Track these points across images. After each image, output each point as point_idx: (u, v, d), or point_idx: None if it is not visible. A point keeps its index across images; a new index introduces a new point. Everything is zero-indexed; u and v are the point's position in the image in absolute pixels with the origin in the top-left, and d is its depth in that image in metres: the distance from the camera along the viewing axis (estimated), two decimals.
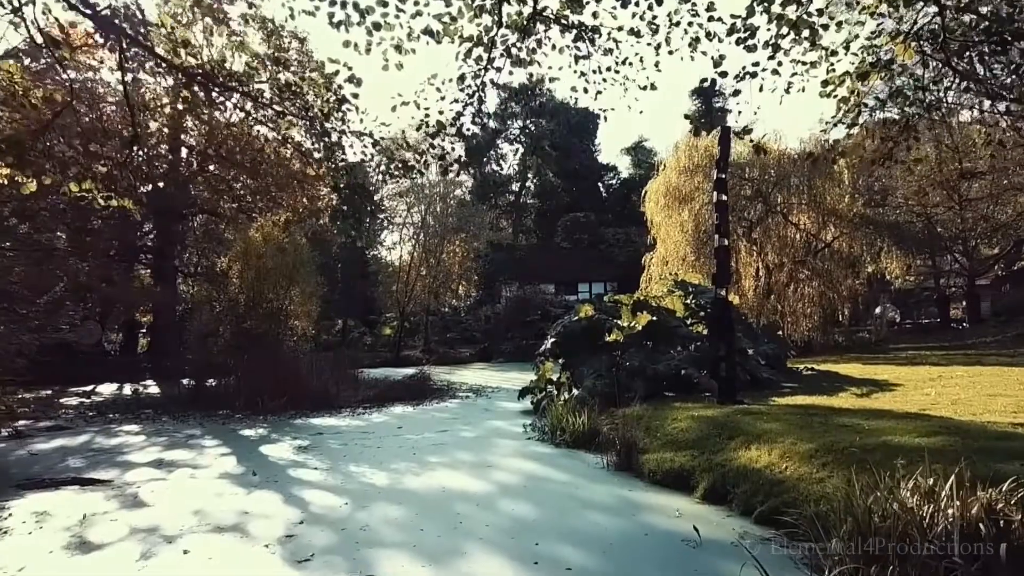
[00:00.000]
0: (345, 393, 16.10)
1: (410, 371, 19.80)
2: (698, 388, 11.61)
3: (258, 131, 28.12)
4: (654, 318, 12.47)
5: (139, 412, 15.35)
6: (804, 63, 6.05)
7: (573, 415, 9.87)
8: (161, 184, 26.91)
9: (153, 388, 20.81)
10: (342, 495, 7.42)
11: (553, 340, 12.87)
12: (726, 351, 9.87)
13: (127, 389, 21.08)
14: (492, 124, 47.77)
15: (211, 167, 27.38)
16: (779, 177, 20.35)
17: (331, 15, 5.73)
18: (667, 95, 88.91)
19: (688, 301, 13.25)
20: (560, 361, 13.06)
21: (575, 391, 12.19)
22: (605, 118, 6.30)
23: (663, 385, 11.60)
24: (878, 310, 35.61)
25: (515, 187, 50.42)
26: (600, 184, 49.39)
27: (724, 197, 10.05)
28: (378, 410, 14.60)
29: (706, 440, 7.81)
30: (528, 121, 49.38)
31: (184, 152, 28.53)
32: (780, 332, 16.18)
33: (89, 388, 21.46)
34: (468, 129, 5.89)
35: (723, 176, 10.02)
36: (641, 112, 6.50)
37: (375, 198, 44.75)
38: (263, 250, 15.54)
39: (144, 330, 31.84)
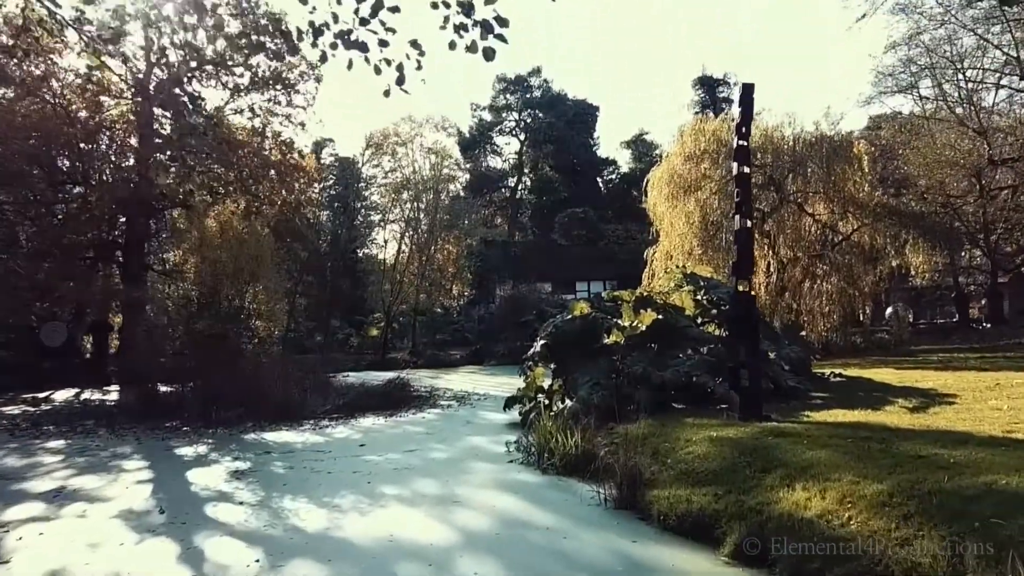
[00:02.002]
0: (313, 402, 14.33)
1: (393, 375, 17.97)
2: (713, 399, 9.85)
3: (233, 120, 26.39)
4: (660, 316, 10.72)
5: (78, 424, 13.62)
6: None
7: (563, 434, 8.11)
8: (127, 175, 25.15)
9: (114, 395, 19.04)
10: (257, 546, 5.68)
11: (543, 342, 11.12)
12: (749, 355, 8.11)
13: (86, 395, 19.45)
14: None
15: (183, 157, 25.67)
16: (794, 163, 18.59)
17: None
18: (668, 86, 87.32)
19: (699, 297, 11.49)
20: (552, 366, 11.30)
21: (568, 401, 10.45)
22: None
23: (671, 395, 9.85)
24: (890, 310, 33.90)
25: (511, 182, 48.59)
26: (599, 179, 47.59)
27: (747, 169, 8.32)
28: (345, 422, 12.84)
29: (732, 472, 6.05)
30: (524, 113, 47.58)
31: (157, 142, 26.81)
32: (803, 332, 14.43)
33: (44, 395, 19.76)
34: None
35: (745, 143, 8.29)
36: None
37: (364, 193, 43.02)
38: (218, 241, 13.76)
39: (116, 332, 30.03)
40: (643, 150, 45.81)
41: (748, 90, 8.20)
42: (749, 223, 8.28)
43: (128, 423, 13.38)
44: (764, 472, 5.86)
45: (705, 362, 10.11)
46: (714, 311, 11.70)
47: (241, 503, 7.11)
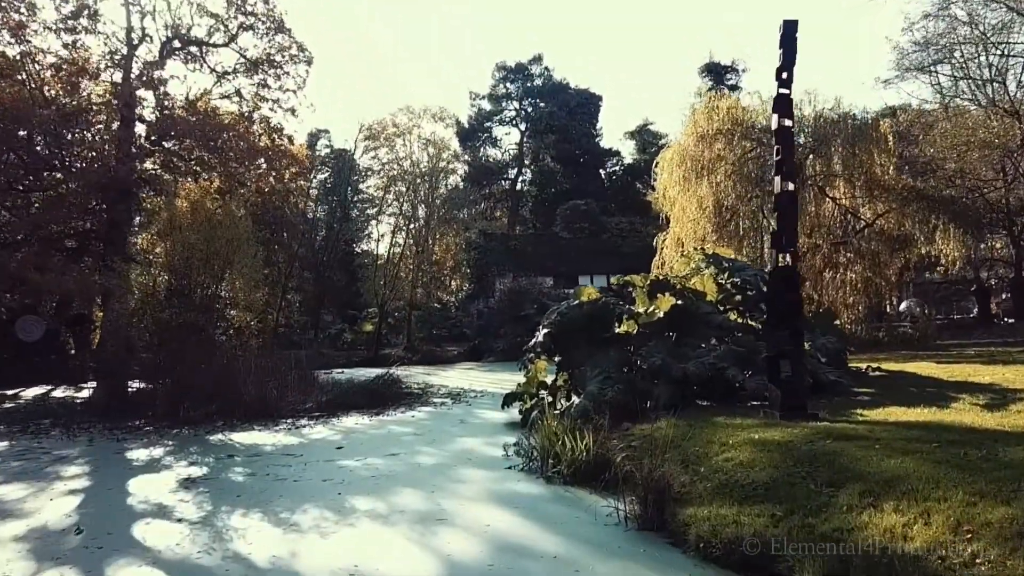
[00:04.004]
0: (293, 399, 13.06)
1: (383, 372, 16.64)
2: (742, 394, 8.58)
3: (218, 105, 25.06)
4: (679, 302, 9.42)
5: (33, 423, 12.35)
6: None
7: (571, 435, 6.82)
8: (107, 160, 23.80)
9: (87, 392, 17.78)
10: None
11: (546, 331, 9.83)
12: (792, 343, 6.82)
13: (58, 393, 18.27)
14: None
15: (165, 143, 24.37)
16: (815, 143, 17.28)
17: None
18: (674, 74, 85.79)
19: (723, 280, 10.19)
20: (556, 359, 10.01)
21: (575, 398, 9.17)
22: None
23: (694, 390, 8.56)
24: (904, 305, 32.66)
25: (511, 173, 47.13)
26: (602, 171, 46.13)
27: (788, 122, 7.04)
28: (326, 421, 11.57)
29: (790, 486, 4.76)
30: (525, 102, 46.17)
31: (143, 129, 25.45)
32: (838, 321, 13.10)
33: (12, 392, 18.56)
34: None
35: (787, 91, 7.00)
36: None
37: (360, 186, 41.70)
38: (188, 222, 12.45)
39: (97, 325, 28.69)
40: (648, 140, 44.33)
41: (791, 27, 6.90)
42: (791, 186, 6.98)
43: (87, 422, 12.13)
44: (833, 486, 4.57)
45: (732, 352, 8.82)
46: (738, 296, 10.40)
47: (180, 520, 5.84)
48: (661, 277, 10.53)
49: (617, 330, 9.58)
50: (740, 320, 10.50)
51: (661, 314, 9.18)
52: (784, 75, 6.99)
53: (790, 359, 6.84)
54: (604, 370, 8.89)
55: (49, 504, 6.53)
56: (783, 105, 7.00)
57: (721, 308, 10.43)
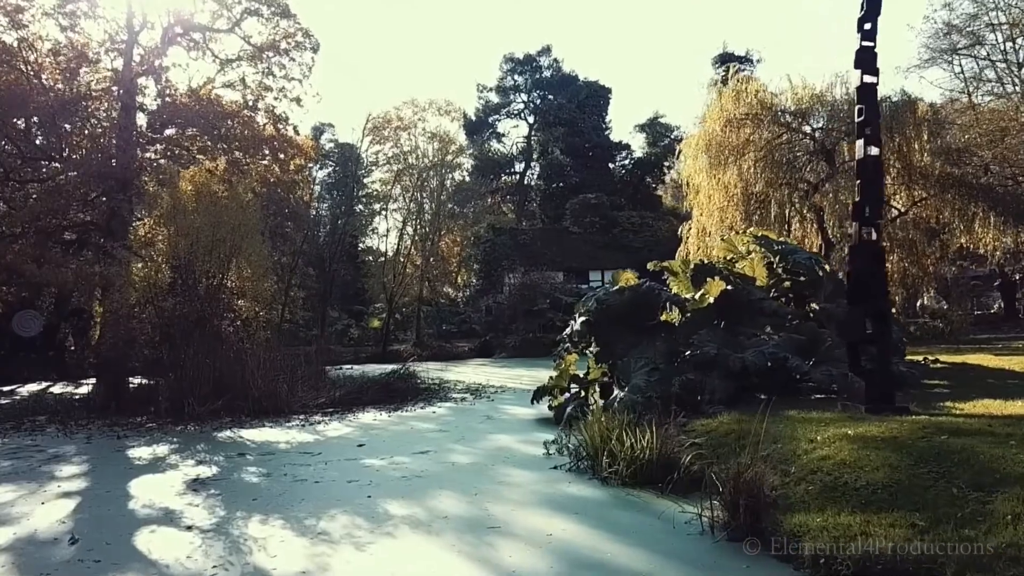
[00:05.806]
0: (304, 395, 12.30)
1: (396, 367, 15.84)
2: (803, 387, 7.81)
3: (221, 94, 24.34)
4: (728, 287, 8.65)
5: (28, 420, 11.57)
6: None
7: (629, 431, 6.04)
8: (107, 149, 23.03)
9: (86, 388, 17.05)
10: None
11: (583, 320, 9.03)
12: (878, 328, 6.04)
13: (57, 389, 17.60)
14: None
15: (167, 131, 23.60)
16: (850, 129, 16.46)
17: None
18: (685, 66, 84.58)
19: (773, 263, 9.39)
20: (593, 350, 9.22)
21: (618, 392, 8.38)
22: None
23: (754, 383, 7.78)
24: (920, 301, 31.92)
25: (519, 167, 46.28)
26: (611, 164, 45.26)
27: (871, 79, 6.27)
28: (341, 417, 10.81)
29: (921, 490, 3.99)
30: (533, 94, 45.33)
31: (144, 118, 24.69)
32: (894, 310, 12.34)
33: (8, 389, 17.94)
34: None
35: (870, 44, 6.22)
36: None
37: (365, 181, 40.91)
38: (193, 206, 11.67)
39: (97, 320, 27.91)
40: (659, 132, 43.51)
41: None
42: (875, 150, 6.20)
43: (86, 419, 11.37)
44: (980, 490, 3.80)
45: (793, 341, 8.04)
46: (787, 282, 9.62)
47: (189, 528, 5.08)
48: (706, 261, 9.75)
49: (661, 319, 8.81)
50: (794, 307, 9.76)
51: (711, 300, 8.40)
52: (867, 26, 6.21)
53: (876, 345, 6.06)
54: (650, 361, 8.12)
55: (40, 508, 5.77)
56: (866, 59, 6.23)
57: (771, 295, 9.67)
